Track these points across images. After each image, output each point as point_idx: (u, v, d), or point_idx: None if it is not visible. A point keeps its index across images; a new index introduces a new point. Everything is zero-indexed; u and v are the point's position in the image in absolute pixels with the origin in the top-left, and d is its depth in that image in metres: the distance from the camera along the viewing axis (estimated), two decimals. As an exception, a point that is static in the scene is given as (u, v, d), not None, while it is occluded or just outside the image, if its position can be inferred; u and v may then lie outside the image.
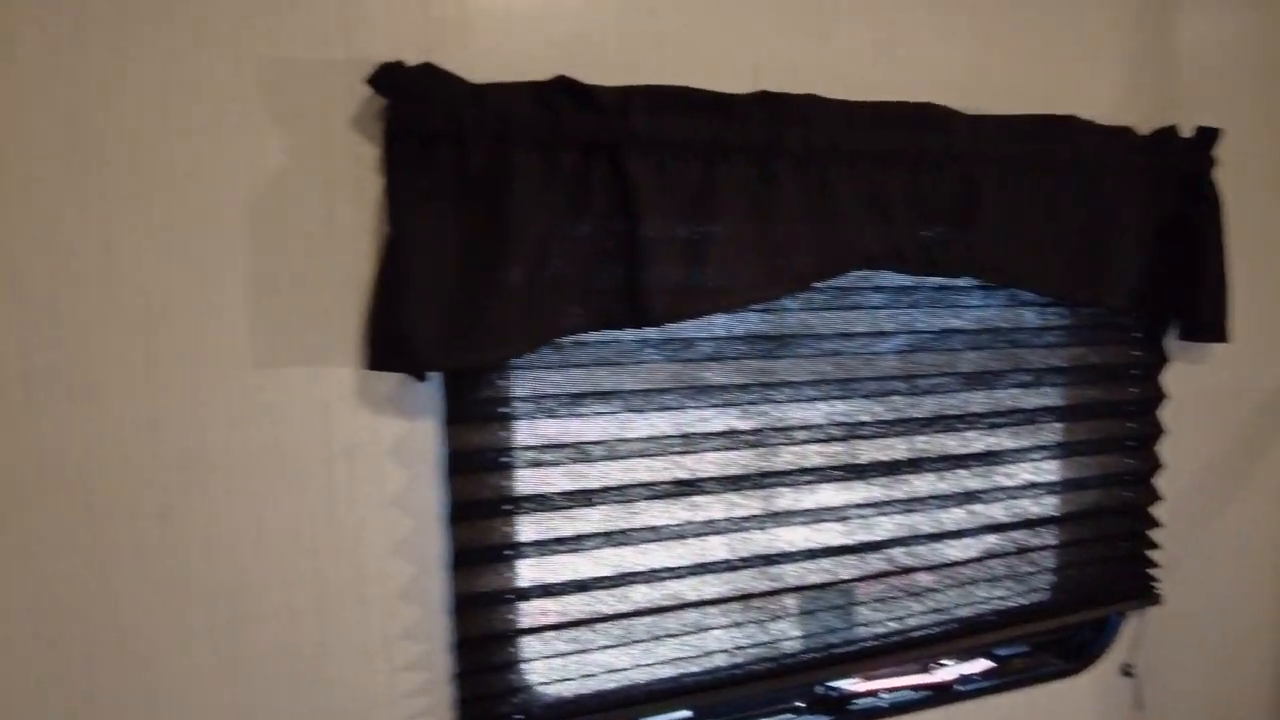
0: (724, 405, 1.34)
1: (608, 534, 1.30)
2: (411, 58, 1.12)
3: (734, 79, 1.31)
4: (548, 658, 1.29)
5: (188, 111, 1.09)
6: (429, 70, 1.08)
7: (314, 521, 1.19)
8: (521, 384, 1.23)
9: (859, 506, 1.47)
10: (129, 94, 1.07)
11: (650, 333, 1.28)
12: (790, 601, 1.45)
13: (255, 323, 1.14)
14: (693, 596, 1.37)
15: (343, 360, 1.17)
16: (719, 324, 1.33)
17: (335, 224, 1.15)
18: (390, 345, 1.11)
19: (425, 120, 1.07)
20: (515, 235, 1.13)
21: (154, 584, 1.14)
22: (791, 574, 1.44)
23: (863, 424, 1.46)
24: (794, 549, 1.43)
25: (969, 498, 1.58)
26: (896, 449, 1.50)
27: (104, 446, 1.10)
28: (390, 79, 1.08)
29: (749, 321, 1.35)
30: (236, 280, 1.12)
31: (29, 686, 1.11)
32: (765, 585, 1.42)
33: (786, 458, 1.40)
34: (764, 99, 1.26)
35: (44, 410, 1.07)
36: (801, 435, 1.40)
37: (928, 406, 1.51)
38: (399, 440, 1.21)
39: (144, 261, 1.09)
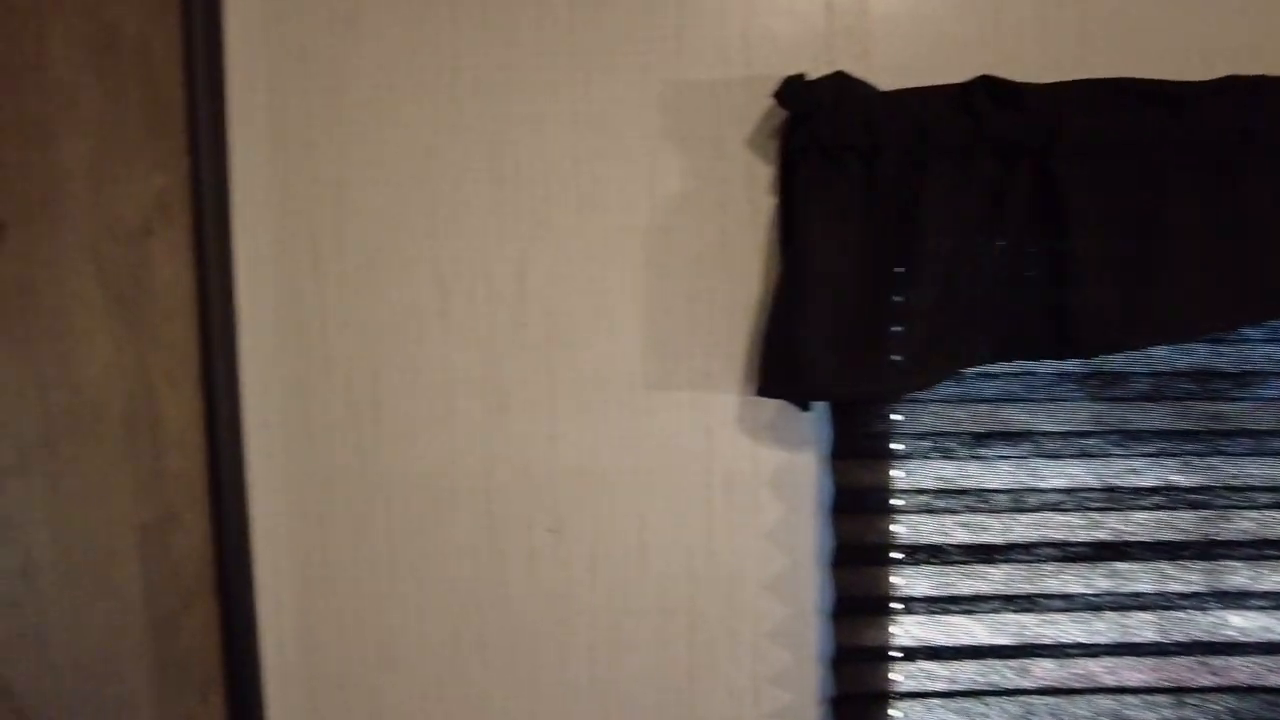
0: (1160, 455, 1.12)
1: (1009, 597, 1.13)
2: (812, 70, 1.06)
3: (1176, 65, 1.10)
4: (932, 728, 1.15)
5: (595, 139, 1.12)
6: (841, 80, 1.01)
7: (693, 549, 1.15)
8: (916, 419, 1.11)
9: (1338, 594, 1.16)
10: (546, 125, 1.11)
11: (1070, 365, 1.10)
12: (1236, 703, 1.17)
13: (648, 344, 1.13)
14: (1109, 680, 1.15)
15: (727, 385, 1.14)
16: (1157, 356, 1.11)
17: (728, 246, 1.12)
18: (782, 371, 1.05)
19: (834, 132, 1.00)
20: (923, 253, 1.02)
21: (543, 597, 1.17)
22: (1241, 669, 1.16)
23: (1348, 488, 1.15)
24: (1246, 638, 1.15)
25: None
26: (1395, 523, 1.17)
27: (508, 459, 1.15)
28: (798, 92, 1.02)
29: (1197, 354, 1.12)
30: (632, 302, 1.13)
31: (430, 680, 1.18)
32: (1205, 679, 1.16)
33: (1241, 524, 1.14)
34: (1229, 85, 1.04)
35: (460, 421, 1.14)
36: (1263, 498, 1.13)
37: None
38: (778, 472, 1.14)
39: (551, 283, 1.13)
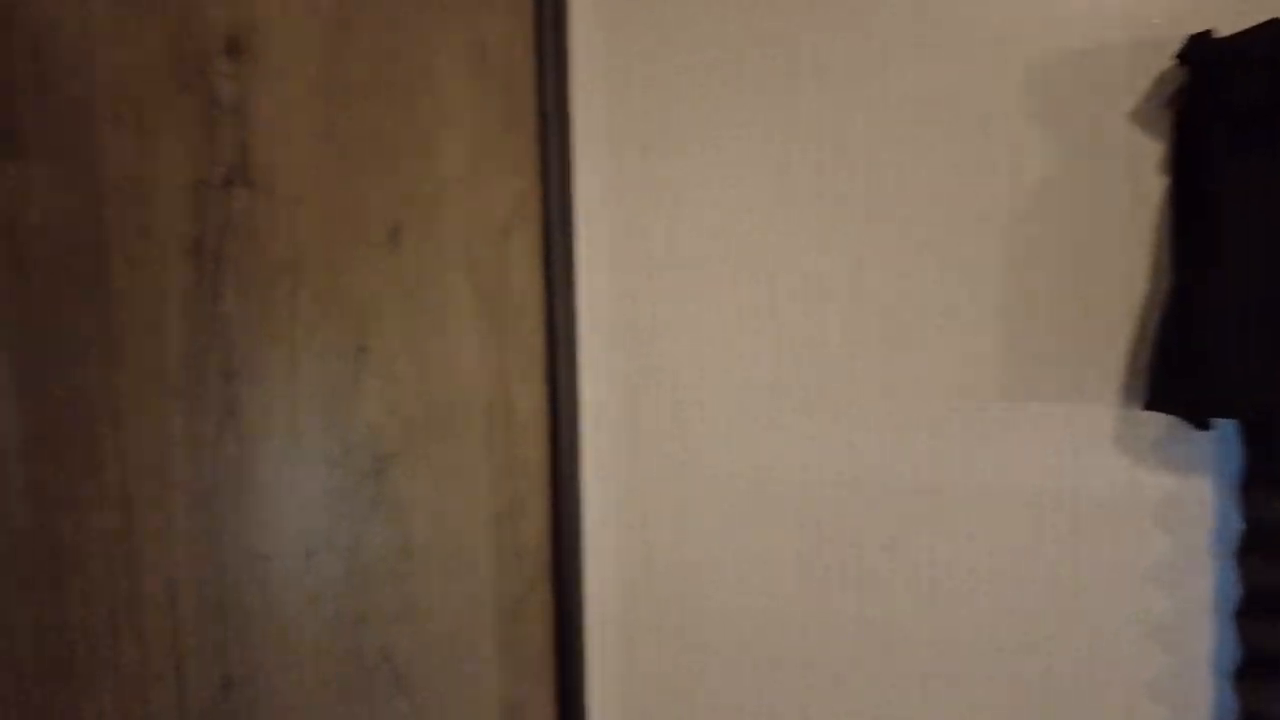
0: None
1: None
2: (1218, 24, 0.89)
3: None
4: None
5: (946, 123, 1.02)
6: (1275, 29, 0.84)
7: (1053, 582, 1.02)
8: (1360, 444, 0.90)
9: None
10: (890, 111, 1.04)
11: None
12: None
13: (1003, 349, 1.02)
14: None
15: (1101, 397, 0.99)
16: None
17: (1104, 235, 0.97)
18: (1179, 382, 0.89)
19: (1263, 95, 0.83)
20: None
21: (872, 620, 1.09)
22: None
23: None
24: None
25: None
26: None
27: (838, 469, 1.08)
28: (1211, 51, 0.86)
29: None
30: (985, 301, 1.02)
31: (748, 692, 1.14)
32: None
33: None
34: None
35: (787, 426, 1.10)
36: None
37: None
38: (1165, 501, 0.97)
39: (890, 282, 1.05)
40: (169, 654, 0.70)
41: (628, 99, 1.14)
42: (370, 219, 0.85)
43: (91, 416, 0.65)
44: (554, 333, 1.10)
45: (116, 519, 0.67)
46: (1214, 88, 0.87)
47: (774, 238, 1.09)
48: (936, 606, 1.06)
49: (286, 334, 0.76)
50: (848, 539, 1.09)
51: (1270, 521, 0.92)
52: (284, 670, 0.79)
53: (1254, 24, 0.86)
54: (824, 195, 1.07)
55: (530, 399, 1.09)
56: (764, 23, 1.08)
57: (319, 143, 0.79)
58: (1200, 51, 0.87)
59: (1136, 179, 0.96)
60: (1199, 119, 0.88)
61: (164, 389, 0.68)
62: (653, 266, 1.14)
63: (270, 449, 0.76)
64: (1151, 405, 0.92)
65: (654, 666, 1.19)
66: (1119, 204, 0.97)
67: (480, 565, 1.02)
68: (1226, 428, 0.95)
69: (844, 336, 1.07)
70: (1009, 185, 1.00)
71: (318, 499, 0.80)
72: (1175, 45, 0.90)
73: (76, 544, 0.66)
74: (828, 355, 1.08)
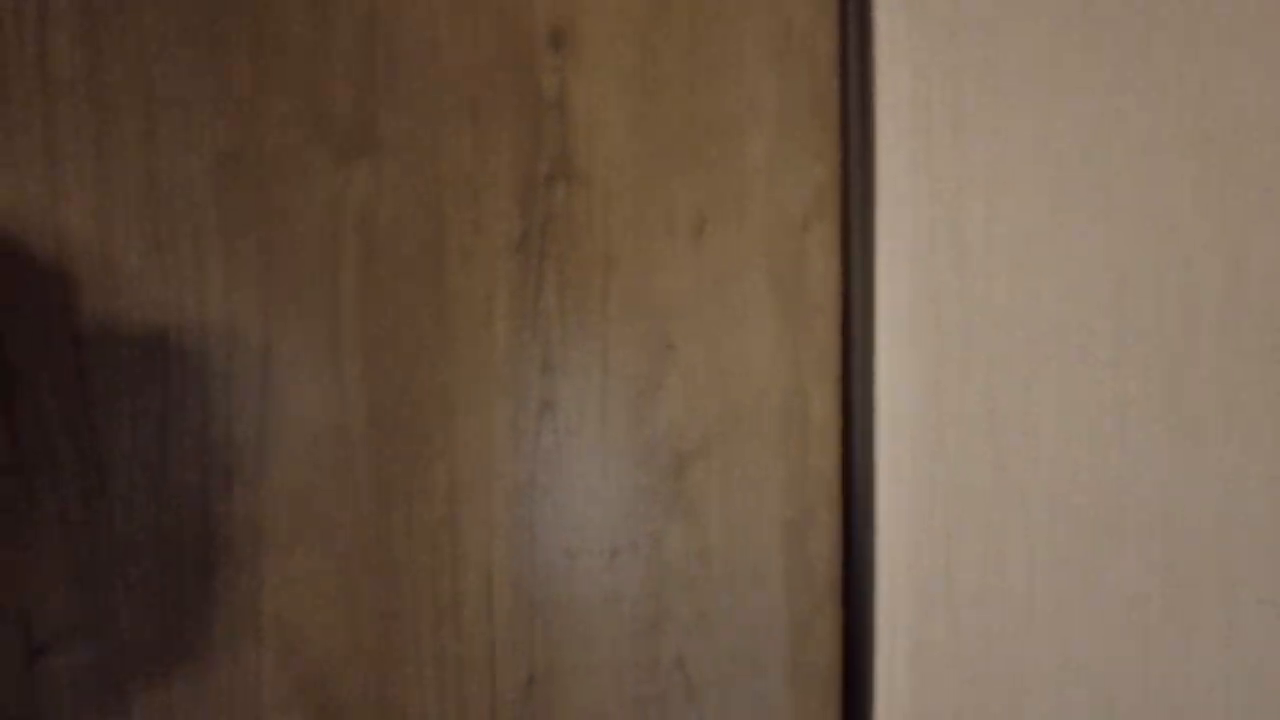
0: None
1: None
2: None
3: None
4: None
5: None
6: None
7: None
8: None
9: None
10: (1255, 80, 0.85)
11: None
12: None
13: None
14: None
15: None
16: None
17: None
18: None
19: None
20: None
21: (1242, 683, 0.90)
22: None
23: None
24: None
25: None
26: None
27: (1199, 501, 0.91)
28: None
29: None
30: None
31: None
32: None
33: None
34: None
35: (1135, 447, 0.93)
36: None
37: None
38: None
39: (1276, 280, 0.86)
40: (483, 646, 0.70)
41: (937, 76, 1.03)
42: (677, 213, 0.82)
43: (426, 410, 0.66)
44: (850, 333, 1.02)
45: (443, 511, 0.69)
46: None
47: (1120, 230, 0.94)
48: (1336, 680, 0.86)
49: (599, 328, 0.75)
50: (1215, 585, 0.91)
51: None
52: (581, 671, 0.78)
53: None
54: (1193, 176, 0.90)
55: (824, 403, 1.01)
56: (1114, -26, 0.93)
57: (631, 135, 0.77)
58: None
59: None
60: None
61: (489, 383, 0.68)
62: (964, 261, 1.02)
63: (582, 444, 0.74)
64: None
65: (951, 700, 1.07)
66: None
67: (770, 577, 0.96)
68: None
69: (1215, 347, 0.89)
70: None
71: (623, 496, 0.78)
72: None
73: (408, 534, 0.68)
74: (1190, 364, 0.91)
